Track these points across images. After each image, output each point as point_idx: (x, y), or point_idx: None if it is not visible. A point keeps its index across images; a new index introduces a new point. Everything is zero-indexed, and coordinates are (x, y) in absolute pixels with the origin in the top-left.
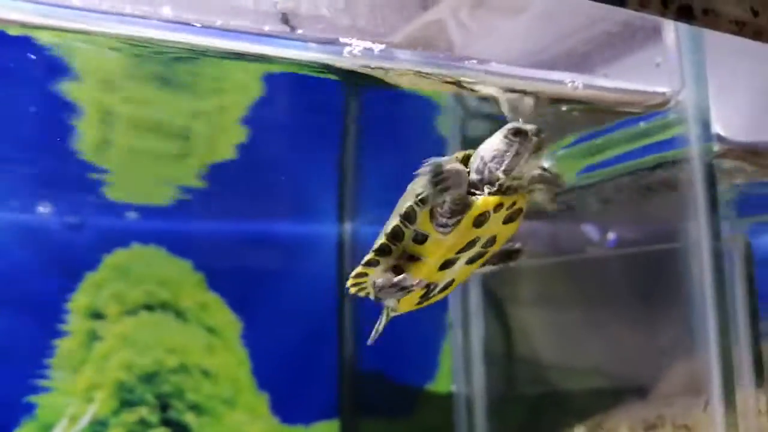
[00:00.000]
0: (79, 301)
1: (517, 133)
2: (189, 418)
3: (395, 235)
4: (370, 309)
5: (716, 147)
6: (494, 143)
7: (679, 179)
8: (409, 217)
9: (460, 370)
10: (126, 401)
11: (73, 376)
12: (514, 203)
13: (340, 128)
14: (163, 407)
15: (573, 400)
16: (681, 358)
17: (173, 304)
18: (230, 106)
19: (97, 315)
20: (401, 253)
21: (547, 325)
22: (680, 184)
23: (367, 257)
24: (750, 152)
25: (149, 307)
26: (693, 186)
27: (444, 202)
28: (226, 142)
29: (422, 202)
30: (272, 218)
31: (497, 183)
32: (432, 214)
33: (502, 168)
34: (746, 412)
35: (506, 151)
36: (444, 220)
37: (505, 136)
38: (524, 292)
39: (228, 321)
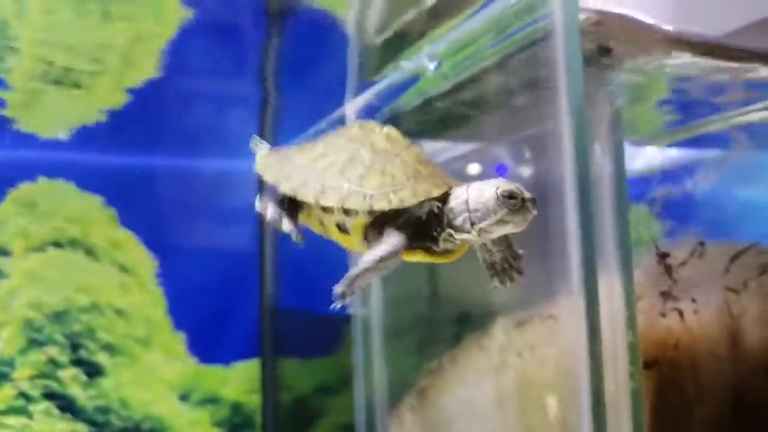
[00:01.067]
0: None
1: (512, 197)
2: (102, 357)
3: (325, 208)
4: (290, 247)
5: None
6: (486, 196)
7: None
8: (349, 213)
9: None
10: (34, 340)
11: None
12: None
13: (260, 60)
14: (74, 347)
15: (458, 315)
16: (545, 260)
17: (83, 241)
18: (147, 33)
19: (1, 251)
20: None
21: None
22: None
23: (285, 186)
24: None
25: (58, 244)
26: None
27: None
28: (140, 72)
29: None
30: (188, 153)
31: (465, 234)
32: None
33: (480, 226)
34: (611, 296)
35: (493, 213)
36: (371, 241)
37: (498, 197)
38: None
39: (142, 259)
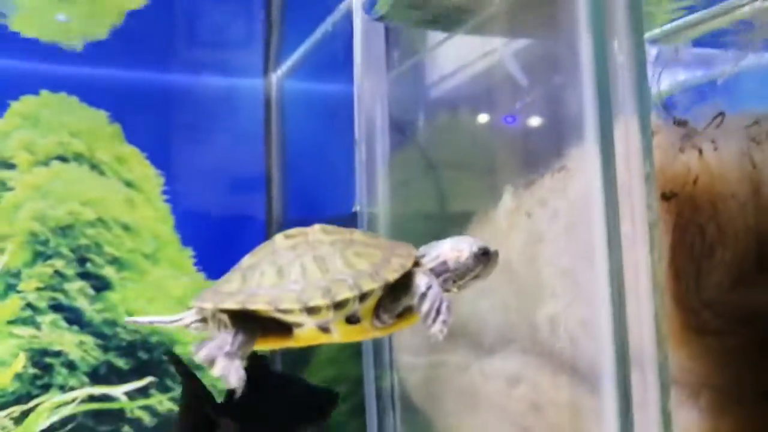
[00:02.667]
0: None
1: (486, 253)
2: (109, 272)
3: (341, 305)
4: (298, 161)
5: None
6: (465, 256)
7: None
8: (365, 297)
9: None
10: (40, 253)
11: None
12: None
13: None
14: (81, 260)
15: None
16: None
17: (88, 156)
18: None
19: (5, 164)
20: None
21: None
22: None
23: (285, 303)
24: None
25: (63, 158)
26: None
27: (398, 300)
28: None
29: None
30: (195, 69)
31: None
32: (381, 306)
33: (460, 283)
34: (626, 136)
35: (471, 270)
36: (386, 318)
37: (476, 255)
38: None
39: (148, 175)
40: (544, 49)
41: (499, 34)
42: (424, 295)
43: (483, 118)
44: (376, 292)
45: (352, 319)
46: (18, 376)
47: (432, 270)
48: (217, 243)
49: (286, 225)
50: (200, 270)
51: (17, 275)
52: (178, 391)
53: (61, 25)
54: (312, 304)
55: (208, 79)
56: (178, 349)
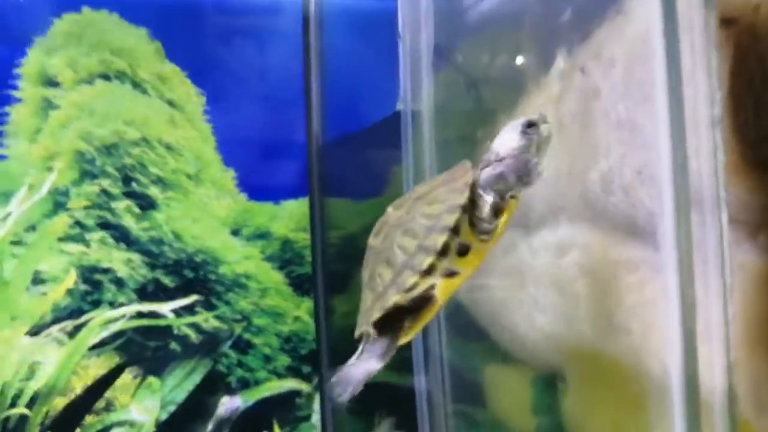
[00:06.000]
0: (29, 66)
1: (532, 124)
2: (153, 191)
3: (444, 251)
4: (338, 76)
5: None
6: (514, 141)
7: None
8: (456, 229)
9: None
10: (86, 172)
11: (28, 145)
12: None
13: None
14: (126, 180)
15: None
16: None
17: (130, 74)
18: None
19: (50, 82)
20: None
21: None
22: None
23: (410, 279)
24: None
25: (105, 77)
26: None
27: (484, 207)
28: None
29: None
30: None
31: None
32: (471, 223)
33: (535, 161)
34: None
35: (529, 146)
36: (485, 225)
37: (523, 132)
38: None
39: (189, 94)
40: None
41: None
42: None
43: None
44: (459, 219)
45: (462, 251)
46: (69, 292)
47: (494, 171)
48: (258, 164)
49: (326, 142)
50: (242, 191)
51: (66, 193)
52: (222, 309)
53: None
54: (425, 265)
55: None
56: (222, 269)
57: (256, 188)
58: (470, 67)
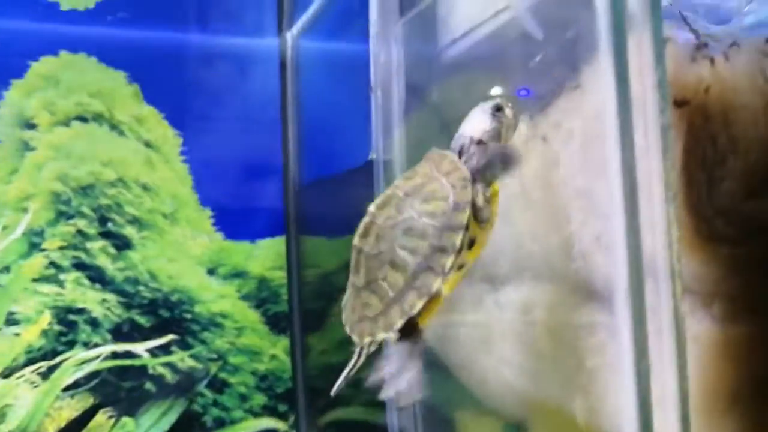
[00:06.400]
0: (6, 108)
1: (500, 108)
2: (129, 231)
3: (461, 248)
4: (314, 119)
5: None
6: (485, 123)
7: None
8: (467, 226)
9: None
10: (62, 212)
11: (4, 186)
12: None
13: None
14: (102, 220)
15: None
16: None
17: (108, 116)
18: None
19: (27, 124)
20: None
21: None
22: None
23: (434, 283)
24: None
25: (82, 119)
26: None
27: (479, 197)
28: None
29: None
30: (211, 28)
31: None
32: (474, 214)
33: (504, 143)
34: (639, 52)
35: (500, 128)
36: (484, 214)
37: (493, 115)
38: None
39: (167, 135)
40: None
41: None
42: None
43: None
44: (470, 216)
45: (470, 244)
46: (44, 333)
47: (473, 155)
48: (235, 203)
49: (302, 184)
50: (218, 230)
51: (41, 234)
52: (198, 348)
53: None
54: (448, 266)
55: (224, 39)
56: (198, 308)
57: (233, 227)
58: (442, 110)
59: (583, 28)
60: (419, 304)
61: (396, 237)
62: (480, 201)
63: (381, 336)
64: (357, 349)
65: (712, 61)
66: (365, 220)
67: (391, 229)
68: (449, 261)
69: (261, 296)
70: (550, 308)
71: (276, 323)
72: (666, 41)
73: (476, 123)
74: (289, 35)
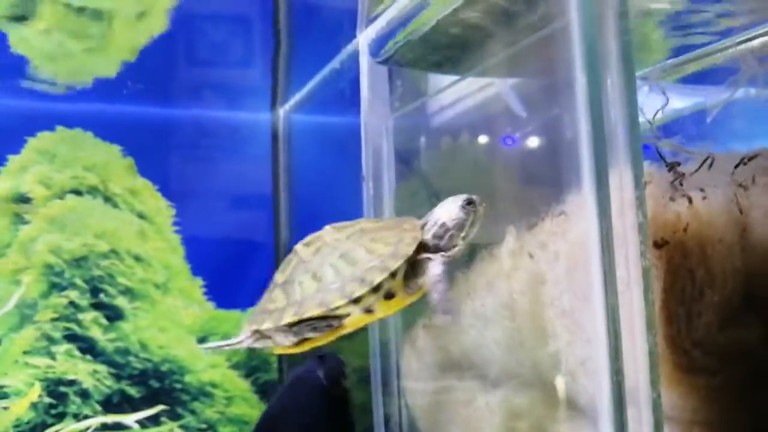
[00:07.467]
0: (1, 184)
1: (471, 202)
2: (121, 301)
3: (377, 288)
4: (305, 193)
5: None
6: (453, 212)
7: None
8: (394, 274)
9: None
10: (55, 284)
11: None
12: None
13: (272, 13)
14: (94, 291)
15: None
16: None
17: (102, 189)
18: None
19: (22, 198)
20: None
21: None
22: None
23: (336, 301)
24: None
25: (77, 192)
26: None
27: (421, 267)
28: (156, 22)
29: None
30: (204, 103)
31: (454, 249)
32: (405, 276)
33: (462, 235)
34: (620, 186)
35: (465, 220)
36: (413, 285)
37: (463, 207)
38: None
39: (159, 207)
40: (545, 107)
41: (501, 77)
42: (435, 284)
43: (485, 155)
44: (401, 267)
45: (388, 296)
46: (33, 406)
47: (435, 234)
48: (227, 273)
49: None
50: (210, 299)
51: (33, 306)
52: (188, 418)
53: (74, 63)
54: (356, 294)
55: (218, 114)
56: (188, 378)
57: (224, 296)
58: (431, 181)
59: (568, 158)
60: (314, 312)
61: (331, 256)
62: (421, 271)
63: (266, 326)
64: (242, 334)
65: (690, 200)
66: (316, 233)
67: (332, 249)
68: (360, 291)
69: (251, 365)
70: (539, 419)
71: (266, 392)
72: (646, 184)
73: (447, 209)
74: (282, 111)
